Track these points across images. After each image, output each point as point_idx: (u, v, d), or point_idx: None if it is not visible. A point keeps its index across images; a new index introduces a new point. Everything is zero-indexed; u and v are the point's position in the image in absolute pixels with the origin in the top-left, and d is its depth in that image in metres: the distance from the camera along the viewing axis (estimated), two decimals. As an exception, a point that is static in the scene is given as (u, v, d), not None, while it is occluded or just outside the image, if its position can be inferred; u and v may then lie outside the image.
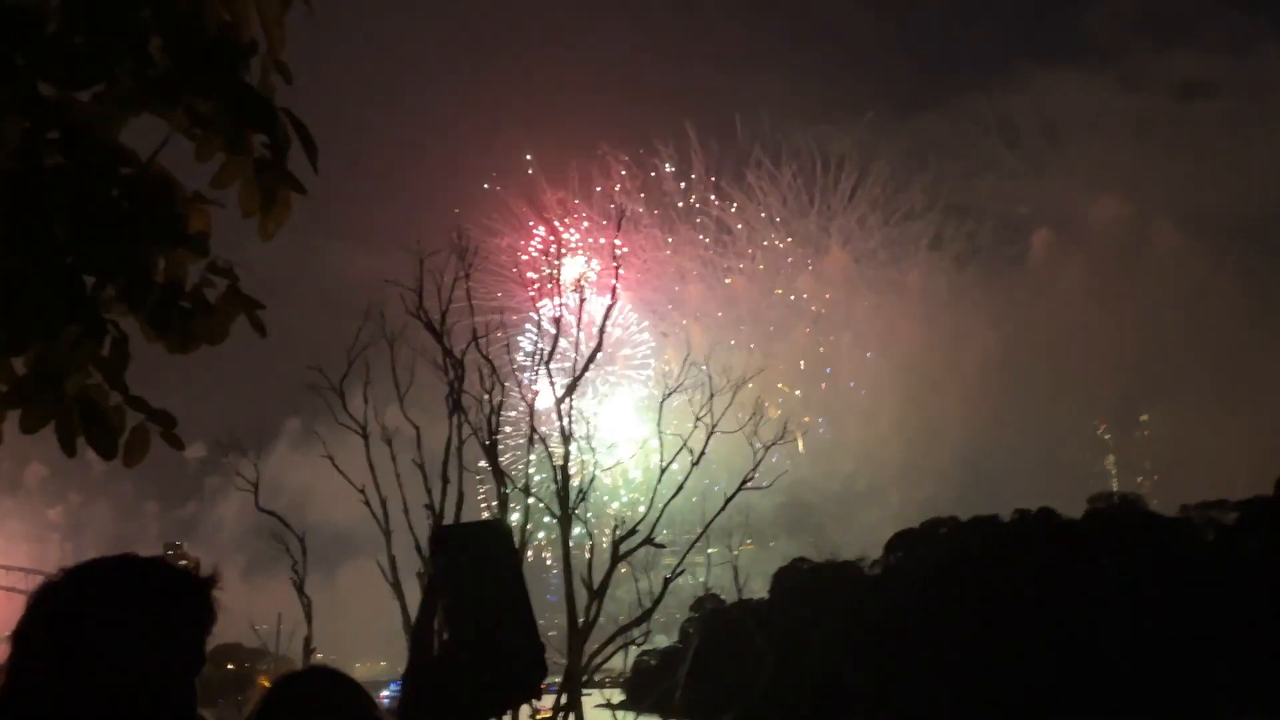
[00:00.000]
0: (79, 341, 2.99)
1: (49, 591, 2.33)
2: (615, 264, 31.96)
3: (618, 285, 31.26)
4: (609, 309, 30.43)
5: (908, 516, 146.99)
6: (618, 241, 33.74)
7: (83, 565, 2.37)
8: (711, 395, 29.11)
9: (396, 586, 26.66)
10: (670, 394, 29.99)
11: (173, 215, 3.05)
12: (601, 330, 30.16)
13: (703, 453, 28.83)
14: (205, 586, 2.44)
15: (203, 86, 2.95)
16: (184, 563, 2.45)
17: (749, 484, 30.12)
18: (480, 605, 1.90)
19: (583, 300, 30.26)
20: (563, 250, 30.71)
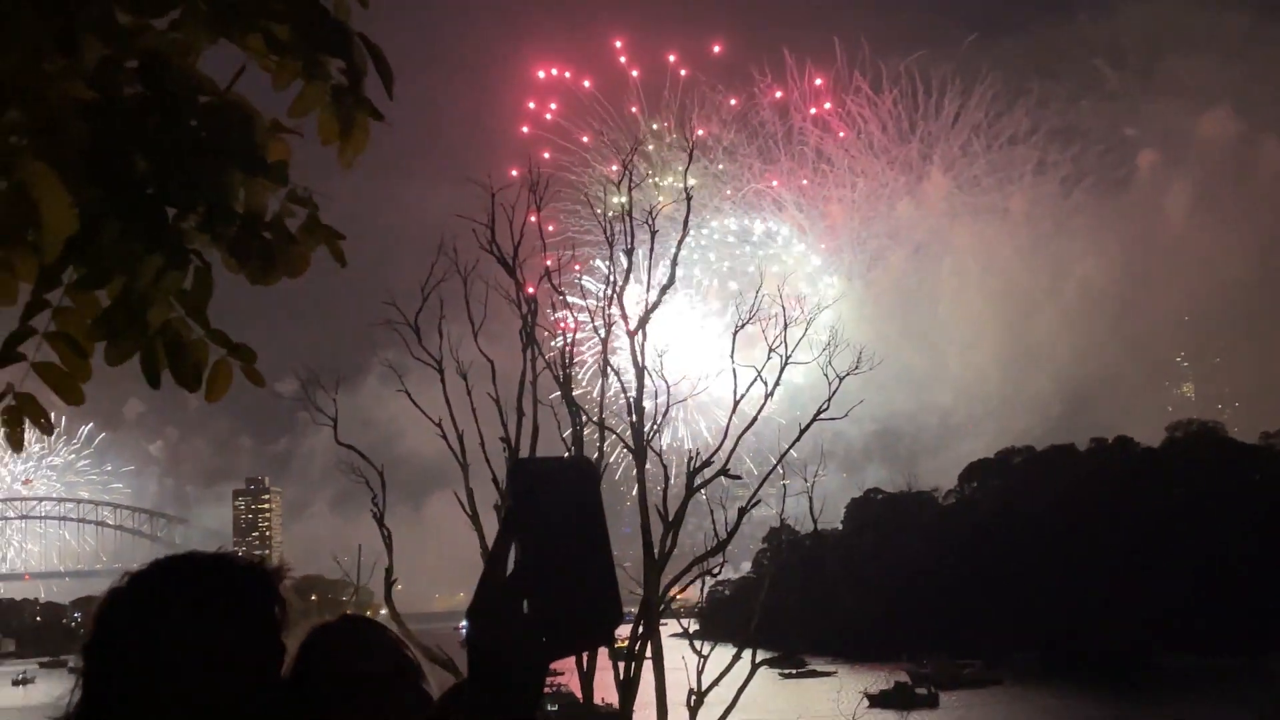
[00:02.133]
0: (162, 273, 2.98)
1: (116, 601, 2.30)
2: (687, 196, 31.70)
3: (689, 218, 31.09)
4: (679, 241, 30.22)
5: (1002, 447, 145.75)
6: (690, 181, 33.25)
7: (148, 570, 2.35)
8: (786, 325, 29.08)
9: (474, 519, 26.95)
10: (743, 325, 29.98)
11: (251, 144, 3.02)
12: (674, 262, 30.05)
13: (777, 383, 28.82)
14: (273, 580, 2.41)
15: (279, 11, 2.91)
16: (237, 549, 2.44)
17: (823, 415, 30.08)
18: (557, 544, 1.82)
19: (654, 232, 30.14)
20: (633, 181, 30.35)
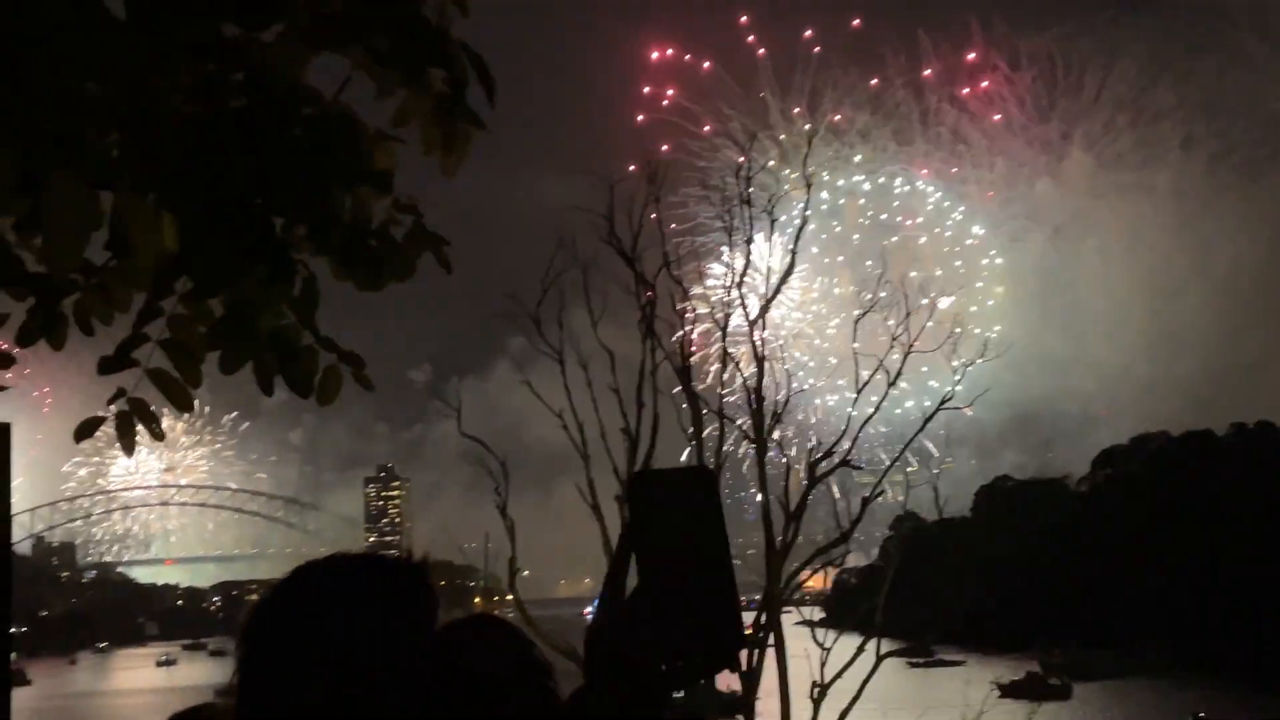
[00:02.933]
0: (270, 282, 3.02)
1: (266, 604, 2.34)
2: (807, 184, 31.40)
3: (808, 205, 30.76)
4: (799, 230, 29.94)
5: (1147, 433, 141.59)
6: (811, 168, 32.87)
7: (293, 573, 2.38)
8: (908, 314, 28.66)
9: (595, 509, 27.06)
10: (864, 313, 29.64)
11: (356, 153, 3.05)
12: (794, 251, 29.76)
13: (899, 373, 28.44)
14: (422, 574, 2.42)
15: (381, 22, 2.92)
16: (394, 552, 2.46)
17: (948, 405, 29.70)
18: (676, 563, 1.76)
19: (774, 220, 29.91)
20: (759, 167, 30.17)
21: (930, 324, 29.74)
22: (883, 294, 30.44)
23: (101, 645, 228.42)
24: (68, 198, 2.22)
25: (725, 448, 28.63)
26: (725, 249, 30.62)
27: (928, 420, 30.24)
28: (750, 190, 29.61)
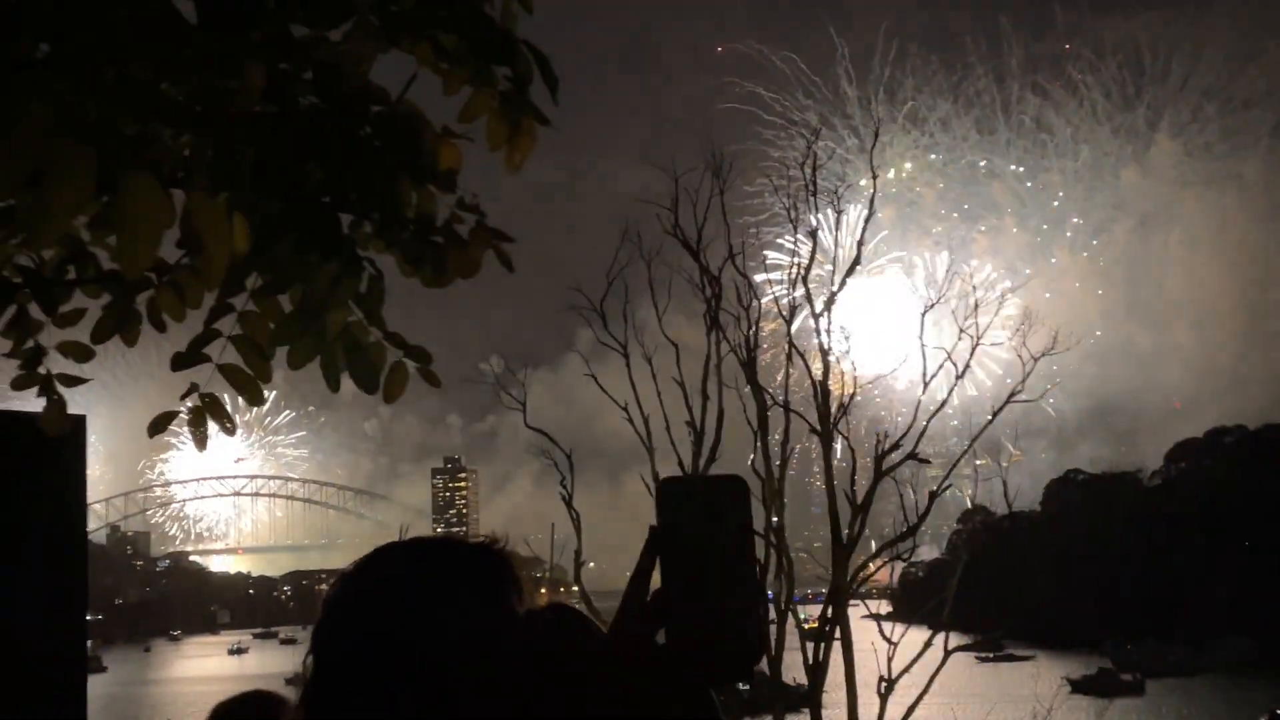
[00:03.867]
0: (338, 279, 3.06)
1: (343, 585, 2.29)
2: (873, 174, 31.14)
3: (875, 194, 30.50)
4: (866, 220, 29.74)
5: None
6: (876, 164, 32.59)
7: (371, 555, 2.33)
8: (976, 306, 28.46)
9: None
10: (932, 305, 29.41)
11: (422, 151, 3.07)
12: (860, 243, 29.57)
13: (967, 367, 28.22)
14: (501, 557, 2.36)
15: (446, 21, 2.95)
16: (435, 527, 2.42)
17: (1017, 398, 29.43)
18: (701, 570, 1.75)
19: (840, 212, 29.76)
20: (818, 160, 29.94)
21: (1020, 323, 29.44)
22: (954, 290, 30.20)
23: (175, 633, 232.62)
24: (142, 198, 2.27)
25: (793, 446, 28.57)
26: (789, 240, 30.52)
27: (996, 413, 30.04)
28: (820, 181, 29.46)
